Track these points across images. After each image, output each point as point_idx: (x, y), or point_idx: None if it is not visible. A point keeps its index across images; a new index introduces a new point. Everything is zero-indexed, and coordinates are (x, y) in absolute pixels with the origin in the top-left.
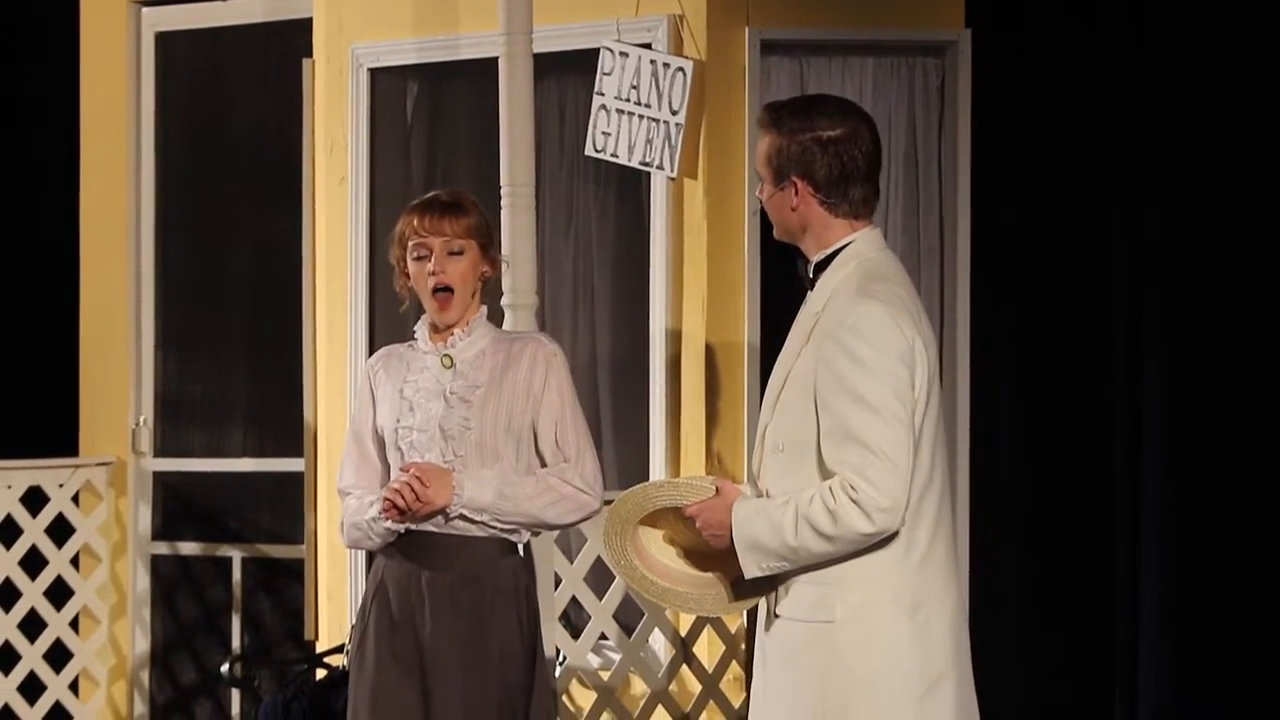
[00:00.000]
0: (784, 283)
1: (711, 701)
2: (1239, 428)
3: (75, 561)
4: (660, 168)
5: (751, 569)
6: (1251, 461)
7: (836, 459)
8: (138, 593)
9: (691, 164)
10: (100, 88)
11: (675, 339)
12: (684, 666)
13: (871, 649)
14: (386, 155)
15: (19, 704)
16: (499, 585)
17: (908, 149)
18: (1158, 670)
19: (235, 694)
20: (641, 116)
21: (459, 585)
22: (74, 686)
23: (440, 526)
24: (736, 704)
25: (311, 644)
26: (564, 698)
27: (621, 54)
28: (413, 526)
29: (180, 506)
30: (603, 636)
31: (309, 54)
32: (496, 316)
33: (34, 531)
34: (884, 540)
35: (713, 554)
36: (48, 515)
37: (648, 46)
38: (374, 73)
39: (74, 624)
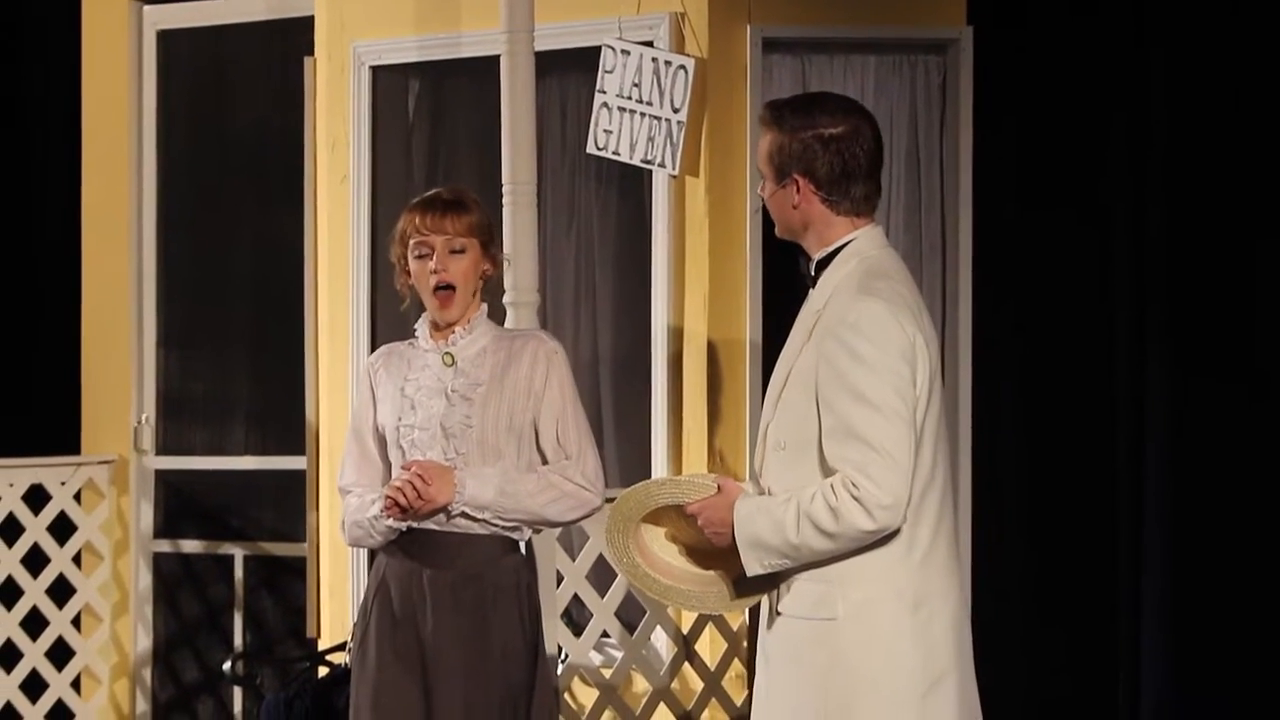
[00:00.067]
0: (786, 280)
1: (713, 699)
2: (1241, 423)
3: (77, 559)
4: (662, 166)
5: (753, 566)
6: (1254, 457)
7: (838, 456)
8: (140, 591)
9: (693, 162)
10: (101, 86)
11: (677, 337)
12: (686, 664)
13: (874, 646)
14: (388, 153)
15: (21, 702)
16: (501, 583)
17: (909, 146)
18: (1160, 666)
19: (237, 692)
20: (643, 114)
21: (461, 583)
22: (76, 684)
23: (442, 524)
24: (739, 702)
25: (313, 642)
26: (566, 695)
27: (623, 52)
28: (414, 524)
29: (182, 504)
30: (605, 634)
31: (310, 52)
32: (498, 314)
33: (36, 530)
34: (886, 537)
35: (715, 552)
36: (49, 513)
37: (649, 44)
38: (376, 71)
39: (76, 622)
